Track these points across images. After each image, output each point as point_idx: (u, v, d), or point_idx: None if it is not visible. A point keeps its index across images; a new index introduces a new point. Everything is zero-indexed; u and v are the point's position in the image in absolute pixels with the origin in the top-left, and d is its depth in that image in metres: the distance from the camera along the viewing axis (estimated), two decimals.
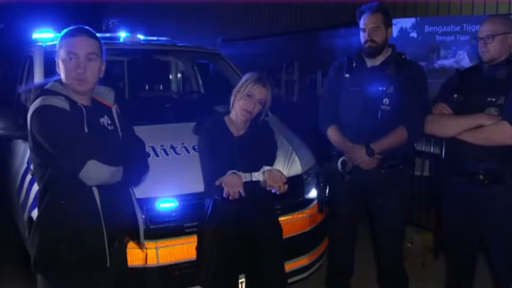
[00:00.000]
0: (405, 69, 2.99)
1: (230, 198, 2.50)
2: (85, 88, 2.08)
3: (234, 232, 2.67)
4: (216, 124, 2.76)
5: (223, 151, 2.65)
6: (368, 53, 3.02)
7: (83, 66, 2.03)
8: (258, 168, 2.63)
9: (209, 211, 2.70)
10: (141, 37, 4.46)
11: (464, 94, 2.73)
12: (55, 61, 2.12)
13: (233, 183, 2.50)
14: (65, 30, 2.10)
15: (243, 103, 2.68)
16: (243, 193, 2.50)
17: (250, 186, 2.58)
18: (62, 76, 2.06)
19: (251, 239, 2.72)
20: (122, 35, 4.32)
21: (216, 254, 2.64)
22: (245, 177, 2.57)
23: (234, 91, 2.75)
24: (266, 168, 2.63)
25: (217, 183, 2.54)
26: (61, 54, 2.05)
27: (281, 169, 2.86)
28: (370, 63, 3.07)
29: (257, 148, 2.72)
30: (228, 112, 2.79)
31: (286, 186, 2.59)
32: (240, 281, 2.84)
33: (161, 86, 5.30)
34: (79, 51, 2.03)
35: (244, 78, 2.75)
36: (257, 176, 2.60)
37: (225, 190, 2.49)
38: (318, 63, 6.65)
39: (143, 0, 10.01)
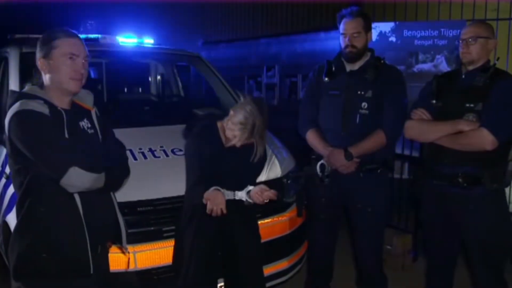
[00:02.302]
0: (384, 74, 3.01)
1: (212, 215, 2.50)
2: (79, 89, 2.10)
3: (212, 236, 2.65)
4: (207, 129, 2.68)
5: (210, 159, 2.60)
6: (349, 58, 3.03)
7: (84, 67, 2.07)
8: (243, 182, 2.62)
9: (188, 215, 2.68)
10: (120, 38, 4.40)
11: (442, 100, 2.77)
12: (30, 63, 2.09)
13: (216, 202, 2.49)
14: (56, 31, 2.08)
15: (232, 129, 2.57)
16: (224, 211, 2.50)
17: (233, 202, 2.59)
18: (56, 76, 2.04)
19: (229, 242, 2.71)
20: (100, 36, 4.26)
21: (194, 258, 2.62)
22: (228, 195, 2.56)
23: (231, 109, 2.62)
24: (250, 188, 2.63)
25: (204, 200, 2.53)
26: (57, 54, 2.03)
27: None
28: (349, 67, 3.08)
29: (245, 160, 2.66)
30: (222, 118, 2.68)
31: (269, 194, 2.60)
32: (219, 285, 2.83)
33: (140, 89, 5.25)
34: (80, 53, 2.06)
35: (241, 102, 2.59)
36: (240, 195, 2.60)
37: (208, 207, 2.49)
38: (298, 67, 6.68)
39: (120, 2, 9.92)
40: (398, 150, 4.66)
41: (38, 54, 2.07)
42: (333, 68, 3.10)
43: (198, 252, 2.62)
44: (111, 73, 4.66)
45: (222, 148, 2.66)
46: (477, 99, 2.63)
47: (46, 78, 2.06)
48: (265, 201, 2.61)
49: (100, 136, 2.18)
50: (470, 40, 2.66)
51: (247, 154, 2.67)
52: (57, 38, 2.06)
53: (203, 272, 2.64)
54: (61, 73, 2.03)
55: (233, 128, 2.56)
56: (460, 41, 2.71)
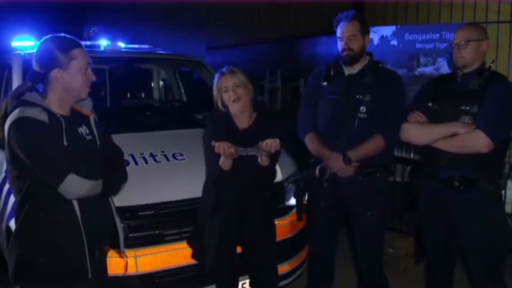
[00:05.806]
0: (382, 78, 3.02)
1: (226, 157, 2.60)
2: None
3: (237, 226, 2.81)
4: (222, 116, 2.85)
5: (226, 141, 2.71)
6: (346, 61, 3.05)
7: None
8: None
9: (209, 208, 2.77)
10: (121, 45, 4.44)
11: (438, 102, 2.78)
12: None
13: (227, 146, 2.59)
14: (70, 40, 2.13)
15: (227, 98, 2.81)
16: (234, 154, 2.60)
17: (246, 162, 2.68)
18: (73, 85, 2.08)
19: (249, 237, 2.86)
20: (103, 43, 4.31)
21: (219, 250, 2.78)
22: (240, 151, 2.65)
23: (215, 96, 2.88)
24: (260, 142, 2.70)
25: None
26: (76, 65, 2.07)
27: None
28: (347, 71, 3.09)
29: (260, 141, 2.74)
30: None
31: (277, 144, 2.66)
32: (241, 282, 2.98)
33: (142, 94, 5.29)
34: (90, 61, 2.14)
35: (214, 81, 2.90)
36: (251, 151, 2.67)
37: (220, 151, 2.58)
38: (300, 71, 6.70)
39: (126, 8, 10.01)
40: (399, 153, 4.67)
41: (53, 65, 2.06)
42: (332, 72, 3.12)
43: (224, 244, 2.78)
44: (113, 79, 4.69)
45: (237, 131, 2.82)
46: (472, 101, 2.64)
47: (55, 87, 2.07)
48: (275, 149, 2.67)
49: (98, 142, 2.21)
50: (461, 44, 2.68)
51: (262, 131, 2.80)
52: (74, 47, 2.10)
53: (228, 264, 2.82)
54: (78, 82, 2.08)
55: (230, 94, 2.78)
56: (453, 46, 2.73)
